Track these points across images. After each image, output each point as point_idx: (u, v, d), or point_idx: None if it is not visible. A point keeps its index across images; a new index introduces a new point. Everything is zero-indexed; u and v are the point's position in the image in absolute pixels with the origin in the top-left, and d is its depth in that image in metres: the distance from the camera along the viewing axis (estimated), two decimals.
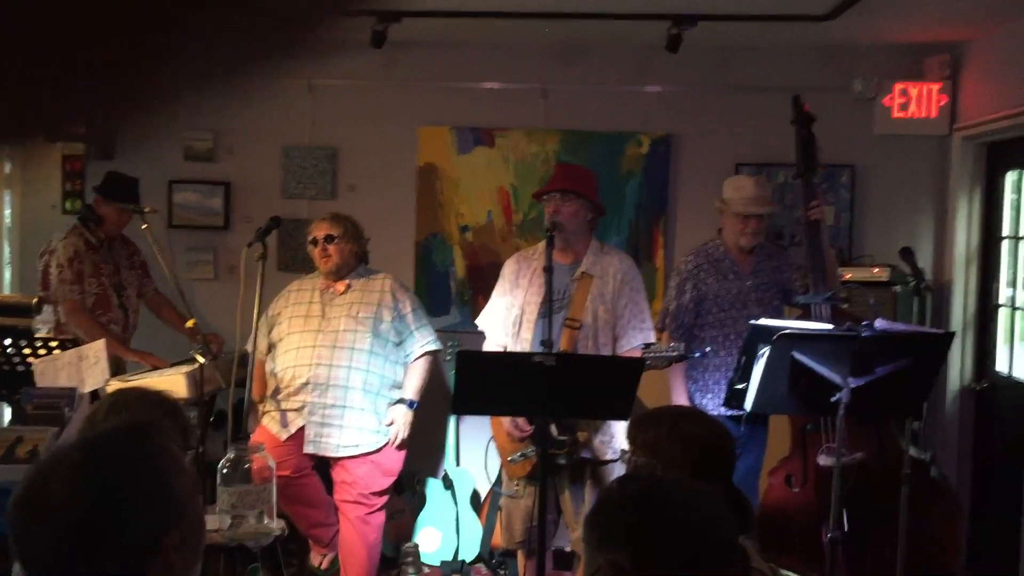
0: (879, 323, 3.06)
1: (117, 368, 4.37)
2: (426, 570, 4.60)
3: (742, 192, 3.97)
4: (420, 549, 4.59)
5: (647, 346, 3.79)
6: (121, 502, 1.34)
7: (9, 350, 3.49)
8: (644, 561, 1.31)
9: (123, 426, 1.82)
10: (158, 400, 2.31)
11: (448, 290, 5.18)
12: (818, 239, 3.89)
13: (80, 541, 1.31)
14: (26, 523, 1.33)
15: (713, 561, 1.33)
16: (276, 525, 2.90)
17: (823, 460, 3.67)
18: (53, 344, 3.53)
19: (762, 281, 4.00)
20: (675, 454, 1.96)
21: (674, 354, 3.39)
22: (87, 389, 3.27)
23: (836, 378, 2.97)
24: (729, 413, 3.80)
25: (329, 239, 4.01)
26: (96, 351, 3.39)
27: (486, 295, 4.05)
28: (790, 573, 3.44)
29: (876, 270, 4.51)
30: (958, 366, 4.76)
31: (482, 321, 3.99)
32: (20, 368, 3.50)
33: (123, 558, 1.31)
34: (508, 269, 3.94)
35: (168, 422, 2.13)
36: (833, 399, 2.98)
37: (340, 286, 4.06)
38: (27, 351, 3.50)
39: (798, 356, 2.99)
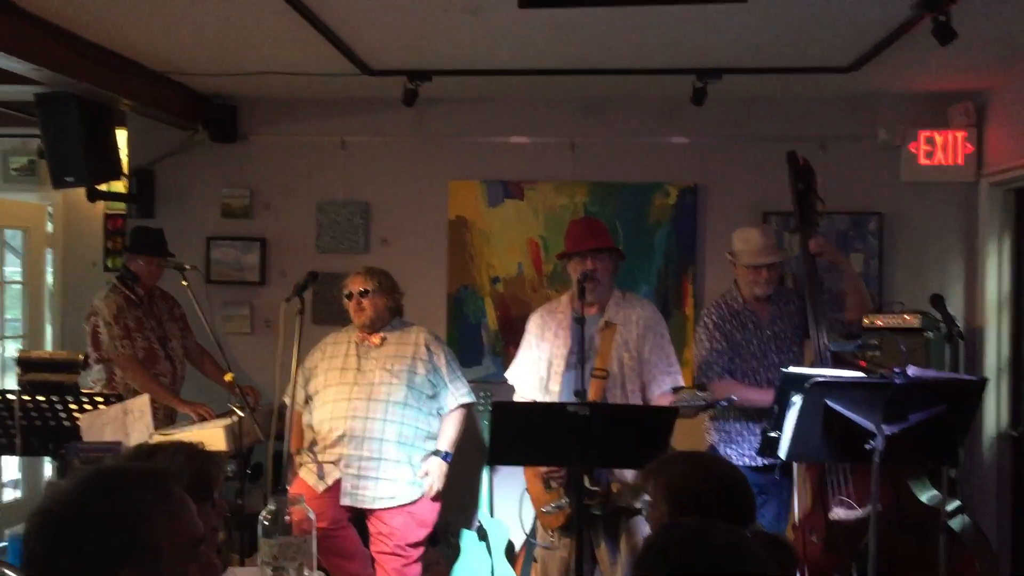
0: (912, 370, 3.06)
1: (170, 419, 4.47)
2: None
3: (749, 244, 4.04)
4: None
5: (676, 389, 3.81)
6: (90, 516, 1.40)
7: (57, 405, 3.58)
8: None
9: (142, 466, 1.90)
10: (183, 447, 2.35)
11: (480, 341, 5.24)
12: (815, 274, 3.94)
13: (56, 535, 1.39)
14: (32, 516, 1.43)
15: None
16: None
17: (835, 514, 3.66)
18: (99, 399, 3.62)
19: (781, 329, 4.03)
20: (657, 497, 2.11)
21: (701, 403, 3.40)
22: (132, 443, 3.34)
23: (870, 425, 2.97)
24: (761, 463, 3.80)
25: (364, 293, 4.09)
26: (140, 405, 3.47)
27: (518, 345, 4.09)
28: None
29: (907, 317, 4.50)
30: (994, 412, 4.73)
31: (510, 376, 4.04)
32: (67, 423, 3.59)
33: (81, 571, 1.38)
34: (532, 324, 3.99)
35: (187, 468, 2.14)
36: (867, 446, 2.98)
37: (375, 339, 4.13)
38: (73, 406, 3.59)
39: (831, 404, 3.00)
